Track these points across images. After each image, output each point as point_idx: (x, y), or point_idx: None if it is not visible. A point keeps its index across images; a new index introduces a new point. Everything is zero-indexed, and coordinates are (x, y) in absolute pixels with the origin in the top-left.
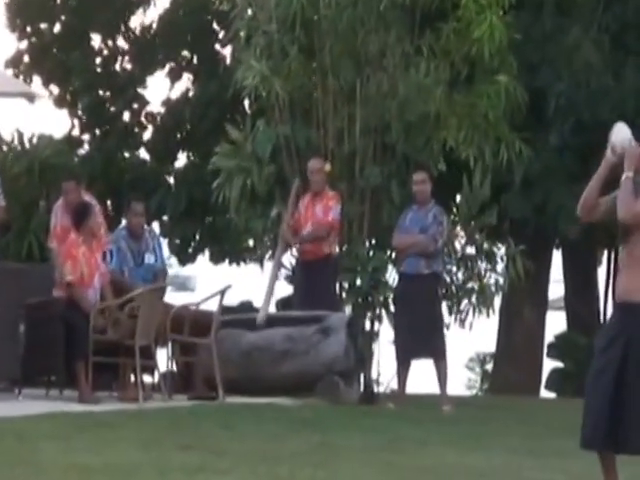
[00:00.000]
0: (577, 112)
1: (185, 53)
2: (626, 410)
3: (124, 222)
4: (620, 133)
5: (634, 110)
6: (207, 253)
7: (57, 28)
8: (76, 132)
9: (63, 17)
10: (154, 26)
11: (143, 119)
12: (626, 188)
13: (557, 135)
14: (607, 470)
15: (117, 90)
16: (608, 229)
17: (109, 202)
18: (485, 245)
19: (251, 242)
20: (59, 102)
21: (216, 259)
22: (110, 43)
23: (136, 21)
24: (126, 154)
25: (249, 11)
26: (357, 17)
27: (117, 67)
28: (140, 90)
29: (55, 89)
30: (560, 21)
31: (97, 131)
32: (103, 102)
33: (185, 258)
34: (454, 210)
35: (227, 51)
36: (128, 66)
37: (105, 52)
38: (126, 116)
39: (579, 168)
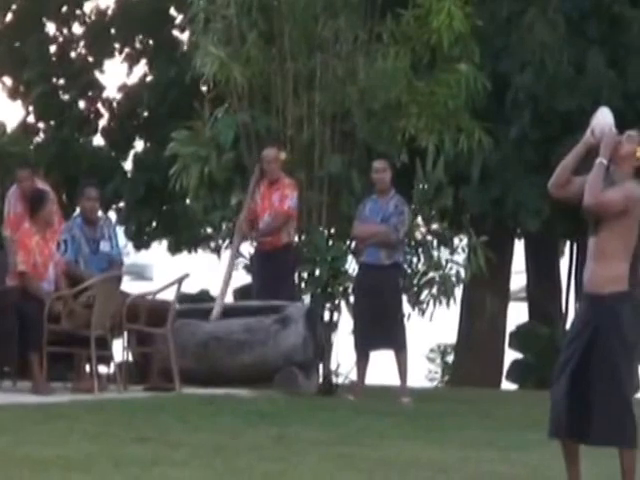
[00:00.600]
0: (537, 104)
1: (141, 38)
2: (589, 400)
3: (78, 209)
4: (602, 118)
5: (595, 101)
6: (164, 243)
7: (9, 17)
8: (31, 120)
9: (14, 6)
10: (109, 11)
11: (100, 105)
12: (596, 173)
13: (517, 127)
14: (570, 460)
15: (72, 77)
16: (570, 220)
17: (65, 190)
18: (446, 234)
19: (209, 230)
20: (12, 94)
21: (173, 249)
22: (65, 30)
23: (91, 6)
24: (82, 141)
25: None
26: (315, 2)
27: (72, 54)
28: (97, 76)
29: (8, 80)
30: (520, 6)
31: (52, 119)
32: (58, 90)
33: (140, 244)
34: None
35: (185, 36)
36: (83, 52)
37: (60, 39)
38: (82, 103)
39: (538, 160)
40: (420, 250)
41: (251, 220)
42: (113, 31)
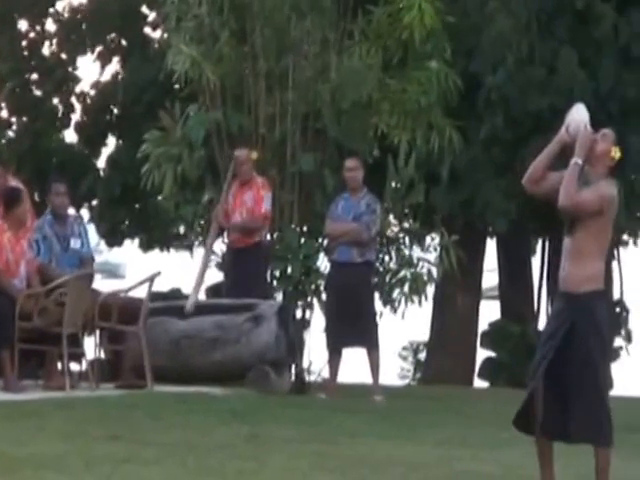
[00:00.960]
0: (509, 105)
1: (113, 36)
2: (566, 398)
3: (49, 207)
4: (578, 114)
5: (567, 101)
6: (137, 240)
7: None
8: (4, 115)
9: None
10: (82, 9)
11: (74, 99)
12: (571, 174)
13: (488, 127)
14: (544, 460)
15: (45, 73)
16: (541, 218)
17: (37, 187)
18: (417, 232)
19: (182, 228)
20: None
21: (145, 246)
22: (38, 27)
23: (64, 4)
24: (54, 137)
25: None
26: (284, 2)
27: (45, 51)
28: (70, 71)
29: None
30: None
31: (25, 115)
32: (30, 85)
33: (113, 242)
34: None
35: (157, 34)
36: (56, 49)
37: (32, 36)
38: (55, 99)
39: (507, 161)
40: (392, 248)
41: (226, 225)
42: (85, 28)
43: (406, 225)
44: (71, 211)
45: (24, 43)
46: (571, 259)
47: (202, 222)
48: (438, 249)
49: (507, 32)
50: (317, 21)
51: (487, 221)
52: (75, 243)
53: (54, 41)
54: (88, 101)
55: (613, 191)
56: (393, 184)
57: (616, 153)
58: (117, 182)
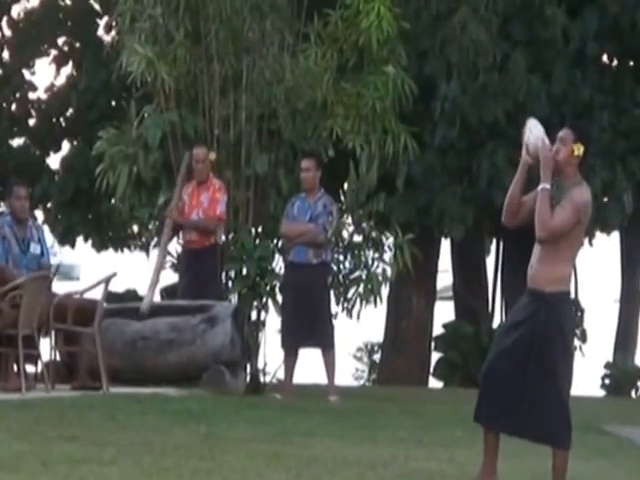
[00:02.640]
0: (464, 116)
1: (67, 40)
2: (526, 396)
3: (6, 208)
4: (532, 134)
5: (520, 106)
6: (90, 242)
7: None
8: None
9: None
10: (36, 12)
11: (29, 106)
12: (542, 202)
13: (442, 136)
14: (489, 450)
15: (1, 79)
16: (495, 219)
17: None
18: (373, 234)
19: (136, 229)
20: None
21: (99, 246)
22: None
23: (18, 9)
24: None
25: None
26: (242, 5)
27: (1, 56)
28: (26, 77)
29: None
30: (449, 4)
31: None
32: None
33: (65, 241)
34: (342, 198)
35: (111, 37)
36: (11, 55)
37: None
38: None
39: (462, 167)
40: (347, 249)
41: (180, 221)
42: (38, 32)
43: (362, 226)
44: None
45: None
46: (542, 260)
47: (157, 223)
48: (393, 249)
49: (482, 41)
50: (277, 22)
51: (444, 228)
52: (35, 248)
53: (7, 46)
54: (43, 106)
55: (587, 196)
56: (353, 190)
57: (579, 149)
58: (71, 185)
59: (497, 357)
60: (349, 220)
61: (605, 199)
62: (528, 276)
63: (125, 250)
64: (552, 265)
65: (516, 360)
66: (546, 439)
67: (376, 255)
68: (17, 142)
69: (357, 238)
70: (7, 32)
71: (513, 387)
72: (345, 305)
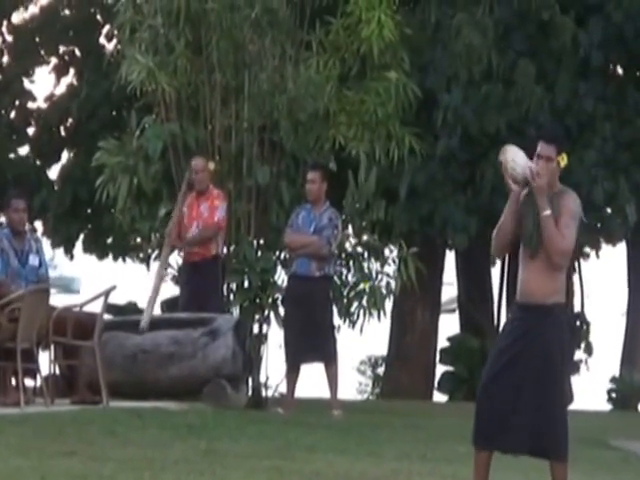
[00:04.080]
0: (466, 126)
1: (68, 49)
2: (524, 409)
3: (4, 220)
4: (517, 161)
5: (523, 117)
6: (89, 254)
7: None
8: None
9: None
10: (36, 20)
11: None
12: (549, 229)
13: (444, 146)
14: (480, 469)
15: (1, 87)
16: None
17: None
18: (376, 246)
19: (137, 240)
20: None
21: (99, 255)
22: None
23: (19, 16)
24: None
25: (132, 3)
26: (242, 22)
27: (1, 63)
28: (26, 86)
29: None
30: (448, 12)
31: None
32: None
33: (64, 251)
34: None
35: (112, 46)
36: (8, 61)
37: None
38: (11, 114)
39: (465, 178)
40: (351, 262)
41: (180, 230)
42: (39, 40)
43: (364, 238)
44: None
45: None
46: (538, 273)
47: (158, 236)
48: (397, 262)
49: (475, 46)
50: (276, 37)
51: (447, 238)
52: (34, 260)
53: (7, 54)
54: (42, 115)
55: (578, 200)
56: (352, 199)
57: (563, 160)
58: (69, 195)
59: (493, 377)
60: (350, 230)
61: (609, 210)
62: (520, 291)
63: (126, 259)
64: (549, 277)
65: (513, 377)
66: (546, 453)
67: (379, 268)
68: (16, 152)
69: (360, 251)
70: (7, 38)
71: (510, 404)
72: (349, 318)
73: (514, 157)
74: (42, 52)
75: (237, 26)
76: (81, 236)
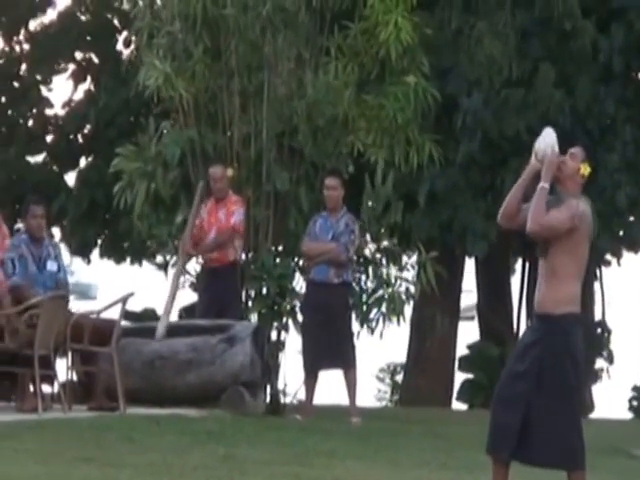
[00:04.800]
0: (485, 129)
1: (84, 54)
2: (538, 421)
3: (22, 227)
4: (544, 139)
5: (543, 121)
6: (107, 259)
7: None
8: None
9: None
10: (53, 26)
11: (47, 123)
12: (538, 198)
13: (465, 151)
14: (498, 479)
15: (19, 94)
16: (522, 238)
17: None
18: (395, 251)
19: (155, 245)
20: None
21: (116, 259)
22: (11, 45)
23: (36, 23)
24: (29, 159)
25: (150, 9)
26: (253, 18)
27: (19, 70)
28: (43, 93)
29: None
30: (469, 19)
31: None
32: (4, 107)
33: (81, 255)
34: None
35: (130, 52)
36: (27, 69)
37: (5, 55)
38: (30, 121)
39: (485, 184)
40: (369, 267)
41: (197, 237)
42: (56, 47)
43: (383, 244)
44: None
45: None
46: (546, 280)
47: (175, 242)
48: (416, 267)
49: (496, 55)
50: (291, 38)
51: (466, 245)
52: (52, 265)
53: (25, 61)
54: (60, 122)
55: (584, 207)
56: (370, 203)
57: (586, 170)
58: (86, 198)
59: (507, 384)
60: (368, 236)
61: (631, 218)
62: (535, 301)
63: (143, 264)
64: (557, 285)
65: (526, 386)
66: (563, 464)
67: (398, 273)
68: (35, 159)
69: (379, 257)
70: (25, 46)
71: (524, 415)
72: (368, 325)
73: (545, 135)
74: (59, 59)
75: (250, 26)
76: (98, 241)
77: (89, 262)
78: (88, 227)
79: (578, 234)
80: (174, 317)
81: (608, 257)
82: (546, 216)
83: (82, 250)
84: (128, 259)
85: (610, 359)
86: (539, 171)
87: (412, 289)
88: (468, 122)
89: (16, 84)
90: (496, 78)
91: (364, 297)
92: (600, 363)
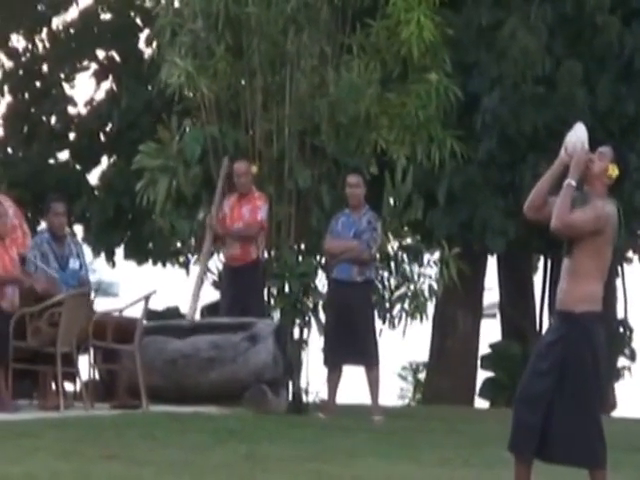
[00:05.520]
0: (504, 127)
1: (106, 53)
2: (560, 419)
3: (45, 225)
4: (575, 134)
5: (563, 120)
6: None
7: None
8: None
9: None
10: (75, 24)
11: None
12: (564, 196)
13: (484, 150)
14: (521, 476)
15: (41, 92)
16: (544, 235)
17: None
18: (417, 248)
19: (178, 244)
20: None
21: (139, 260)
22: (34, 44)
23: (58, 21)
24: (51, 158)
25: (172, 7)
26: (280, 16)
27: (41, 69)
28: (65, 91)
29: None
30: (499, 15)
31: (22, 135)
32: (27, 105)
33: (106, 260)
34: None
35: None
36: (50, 67)
37: (28, 54)
38: (52, 119)
39: (505, 181)
40: (391, 265)
41: (220, 231)
42: (78, 45)
43: (405, 241)
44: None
45: (21, 62)
46: (568, 278)
47: (197, 239)
48: (438, 264)
49: (531, 49)
50: (314, 34)
51: (486, 242)
52: (74, 263)
53: (50, 59)
54: (82, 121)
55: (609, 209)
56: (391, 200)
57: (614, 171)
58: (111, 204)
59: (529, 383)
60: (390, 233)
61: None
62: (557, 298)
63: (166, 264)
64: (580, 283)
65: (548, 384)
66: (584, 462)
67: (420, 270)
68: (57, 158)
69: (402, 254)
70: (47, 44)
71: (545, 413)
72: (390, 322)
73: (577, 130)
74: (81, 57)
75: (273, 22)
76: (122, 244)
77: (114, 265)
78: (113, 231)
79: (603, 235)
80: (197, 316)
81: (630, 255)
82: (570, 215)
83: (106, 253)
84: (150, 260)
85: (632, 357)
86: (568, 165)
87: (435, 286)
88: (487, 120)
89: (38, 83)
90: (528, 73)
91: (386, 295)
92: (622, 361)
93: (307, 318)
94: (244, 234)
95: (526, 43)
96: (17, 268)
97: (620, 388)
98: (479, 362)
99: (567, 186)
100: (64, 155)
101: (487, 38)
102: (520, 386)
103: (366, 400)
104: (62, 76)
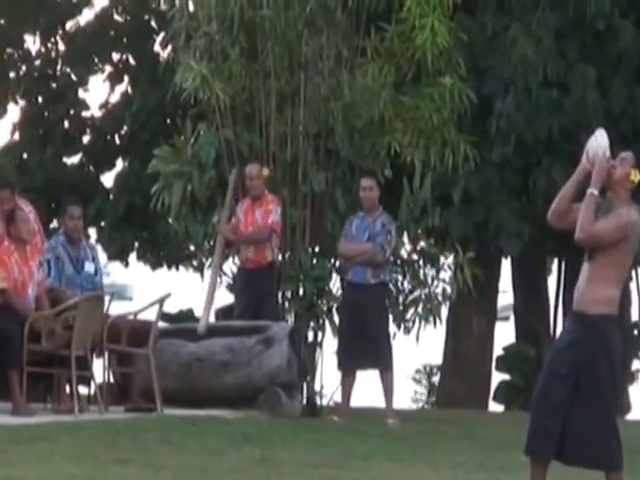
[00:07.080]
0: (519, 132)
1: (121, 56)
2: (575, 421)
3: (61, 228)
4: (597, 141)
5: (577, 123)
6: (143, 257)
7: None
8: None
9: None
10: (90, 27)
11: (83, 124)
12: (587, 206)
13: (499, 153)
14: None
15: (55, 95)
16: (558, 238)
17: (46, 209)
18: (432, 252)
19: (192, 248)
20: None
21: (153, 264)
22: (48, 46)
23: (72, 23)
24: (66, 160)
25: (187, 10)
26: (297, 19)
27: (55, 71)
28: (81, 95)
29: None
30: (504, 21)
31: (37, 138)
32: (42, 108)
33: (119, 260)
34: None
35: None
36: (65, 70)
37: (42, 56)
38: (66, 122)
39: (519, 185)
40: (406, 268)
41: (233, 233)
42: (93, 48)
43: (420, 246)
44: None
45: (35, 65)
46: (587, 281)
47: (212, 242)
48: (452, 268)
49: (530, 56)
50: (332, 37)
51: (501, 244)
52: (89, 267)
53: (64, 61)
54: (97, 124)
55: (633, 216)
56: (408, 205)
57: (636, 176)
58: (124, 203)
59: (547, 386)
60: (405, 238)
61: None
62: (574, 299)
63: (180, 268)
64: (599, 287)
65: (567, 389)
66: (600, 464)
67: (434, 273)
68: (71, 160)
69: (416, 257)
70: (61, 47)
71: (564, 414)
72: (404, 325)
73: (598, 136)
74: (96, 60)
75: (291, 24)
76: (135, 244)
77: (127, 265)
78: (126, 232)
79: (626, 243)
80: (211, 318)
81: None
82: (594, 226)
83: (120, 255)
84: (164, 265)
85: None
86: (590, 171)
87: (449, 290)
88: (502, 125)
89: (53, 85)
90: (531, 79)
91: (401, 298)
92: (637, 364)
93: (321, 321)
94: (255, 238)
95: (525, 50)
96: (34, 283)
97: (634, 391)
98: (494, 364)
99: (589, 196)
100: (78, 158)
101: (495, 43)
102: (537, 389)
103: (380, 403)
104: (76, 79)
